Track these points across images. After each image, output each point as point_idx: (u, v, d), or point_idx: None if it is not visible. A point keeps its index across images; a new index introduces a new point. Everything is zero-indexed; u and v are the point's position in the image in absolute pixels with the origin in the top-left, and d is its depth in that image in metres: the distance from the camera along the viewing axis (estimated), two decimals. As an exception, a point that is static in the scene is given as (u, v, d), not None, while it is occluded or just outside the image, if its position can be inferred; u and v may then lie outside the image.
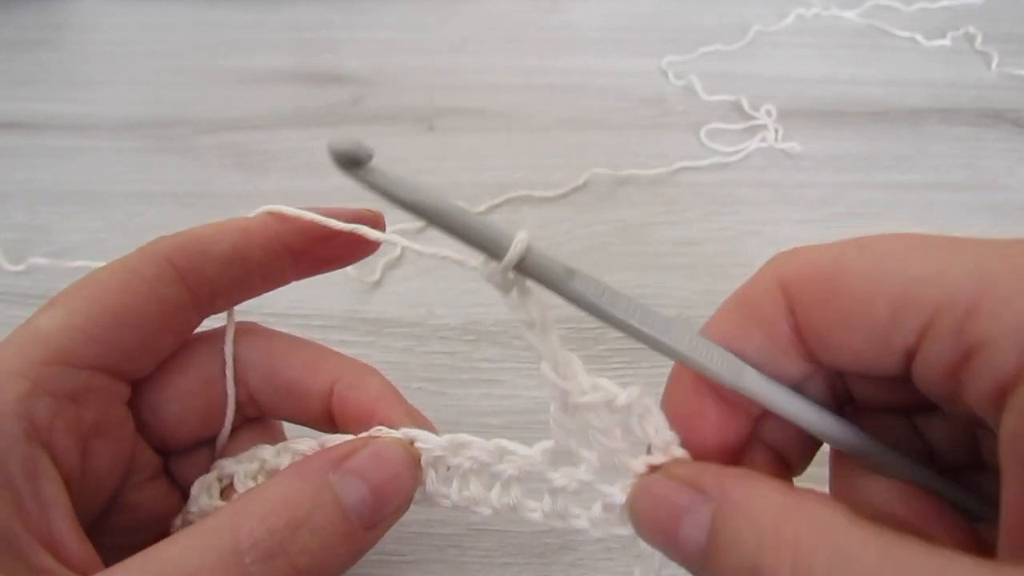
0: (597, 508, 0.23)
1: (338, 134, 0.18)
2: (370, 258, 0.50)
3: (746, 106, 0.62)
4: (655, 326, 0.19)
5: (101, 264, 0.52)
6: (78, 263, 0.49)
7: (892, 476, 0.20)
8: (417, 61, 0.70)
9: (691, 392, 0.21)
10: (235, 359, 0.27)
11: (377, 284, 0.48)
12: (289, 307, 0.46)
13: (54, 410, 0.22)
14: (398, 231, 0.51)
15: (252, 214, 0.27)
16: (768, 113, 0.61)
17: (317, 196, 0.54)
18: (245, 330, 0.28)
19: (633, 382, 0.21)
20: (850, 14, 0.75)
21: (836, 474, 0.22)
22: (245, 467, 0.26)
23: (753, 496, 0.18)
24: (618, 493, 0.22)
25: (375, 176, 0.18)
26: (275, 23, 0.75)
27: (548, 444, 0.23)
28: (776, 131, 0.59)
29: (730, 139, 0.59)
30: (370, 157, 0.18)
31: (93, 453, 0.24)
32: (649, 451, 0.22)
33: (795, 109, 0.62)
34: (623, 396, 0.21)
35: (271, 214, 0.26)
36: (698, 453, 0.21)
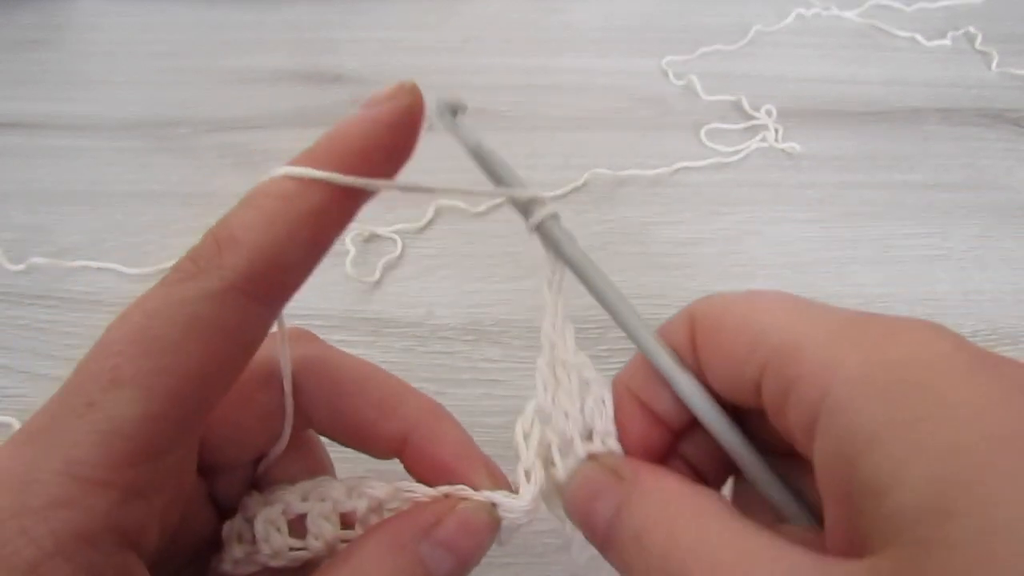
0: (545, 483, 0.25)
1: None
2: (370, 258, 0.50)
3: (746, 106, 0.62)
4: (622, 304, 0.23)
5: (101, 264, 0.52)
6: (78, 263, 0.49)
7: (787, 517, 0.22)
8: (417, 61, 0.70)
9: (627, 396, 0.24)
10: (298, 393, 0.25)
11: (377, 284, 0.48)
12: (289, 307, 0.46)
13: (145, 510, 0.20)
14: (398, 231, 0.51)
15: (281, 172, 0.22)
16: (768, 113, 0.61)
17: (317, 196, 0.54)
18: (308, 355, 0.25)
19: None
20: (850, 14, 0.75)
21: (738, 508, 0.24)
22: (318, 507, 0.25)
23: (657, 481, 0.21)
24: (562, 470, 0.24)
25: (462, 127, 0.25)
26: (275, 23, 0.75)
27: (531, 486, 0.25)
28: (776, 131, 0.59)
29: (730, 139, 0.59)
30: (465, 109, 0.25)
31: (168, 525, 0.22)
32: (590, 437, 0.24)
33: (795, 109, 0.62)
34: (591, 372, 0.24)
35: (310, 155, 0.23)
36: (627, 450, 0.24)
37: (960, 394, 0.16)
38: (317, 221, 0.21)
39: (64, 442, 0.19)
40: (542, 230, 0.25)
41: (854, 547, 0.17)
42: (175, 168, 0.58)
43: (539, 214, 0.25)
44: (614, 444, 0.23)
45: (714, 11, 0.76)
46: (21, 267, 0.49)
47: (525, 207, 0.25)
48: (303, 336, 0.27)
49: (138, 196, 0.55)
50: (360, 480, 0.25)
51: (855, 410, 0.17)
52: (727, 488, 0.25)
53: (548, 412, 0.24)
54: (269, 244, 0.21)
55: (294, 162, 0.22)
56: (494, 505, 0.24)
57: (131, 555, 0.20)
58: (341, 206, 0.22)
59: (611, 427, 0.24)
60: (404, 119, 0.24)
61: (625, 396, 0.24)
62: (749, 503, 0.23)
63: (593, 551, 0.23)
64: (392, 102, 0.23)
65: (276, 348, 0.25)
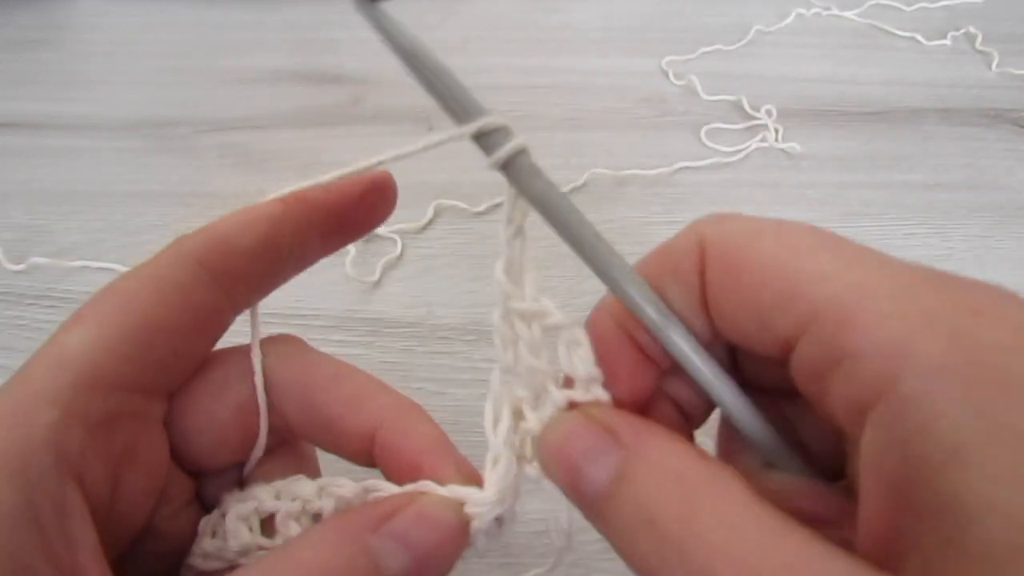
0: (517, 440, 0.22)
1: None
2: (370, 258, 0.50)
3: (746, 106, 0.62)
4: (600, 248, 0.20)
5: (101, 264, 0.53)
6: (78, 263, 0.49)
7: (777, 466, 0.20)
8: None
9: (612, 330, 0.21)
10: (271, 386, 0.25)
11: (377, 284, 0.48)
12: (289, 307, 0.46)
13: (86, 439, 0.21)
14: (398, 231, 0.51)
15: (264, 200, 0.25)
16: (768, 113, 0.61)
17: (317, 196, 0.54)
18: (283, 351, 0.26)
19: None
20: (850, 14, 0.75)
21: (723, 447, 0.22)
22: (287, 506, 0.24)
23: (666, 453, 0.18)
24: (535, 422, 0.21)
25: (383, 17, 0.19)
26: (275, 23, 0.75)
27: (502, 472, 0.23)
28: (776, 131, 0.59)
29: (730, 139, 0.59)
30: None
31: (125, 480, 0.22)
32: (569, 384, 0.21)
33: (795, 109, 0.62)
34: (556, 316, 0.21)
35: (290, 195, 0.25)
36: (613, 394, 0.21)
37: None
38: (271, 222, 0.24)
39: (25, 370, 0.21)
40: (509, 169, 0.20)
41: (892, 556, 0.15)
42: (175, 168, 0.58)
43: (504, 149, 0.20)
44: (599, 391, 0.21)
45: (714, 11, 0.76)
46: (21, 267, 0.49)
47: (483, 135, 0.20)
48: (284, 338, 0.27)
49: (138, 196, 0.55)
50: (330, 480, 0.25)
51: (938, 412, 0.14)
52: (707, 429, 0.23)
53: (513, 371, 0.22)
54: (223, 228, 0.24)
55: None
56: (461, 503, 0.22)
57: (69, 482, 0.20)
58: (296, 219, 0.25)
59: (594, 371, 0.20)
60: (380, 189, 0.27)
61: (610, 331, 0.21)
62: (735, 444, 0.22)
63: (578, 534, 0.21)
64: (376, 177, 0.27)
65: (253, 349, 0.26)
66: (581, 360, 0.20)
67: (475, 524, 0.22)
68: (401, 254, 0.50)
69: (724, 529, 0.16)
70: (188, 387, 0.25)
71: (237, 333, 0.25)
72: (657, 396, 0.22)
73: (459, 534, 0.22)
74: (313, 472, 0.28)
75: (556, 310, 0.21)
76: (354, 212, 0.26)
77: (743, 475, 0.19)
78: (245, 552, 0.24)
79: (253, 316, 0.26)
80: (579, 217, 0.20)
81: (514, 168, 0.20)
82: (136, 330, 0.22)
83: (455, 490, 0.23)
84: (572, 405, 0.21)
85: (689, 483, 0.17)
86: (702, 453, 0.19)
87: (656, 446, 0.19)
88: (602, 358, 0.21)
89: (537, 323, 0.21)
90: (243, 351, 0.26)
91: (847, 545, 0.16)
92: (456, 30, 0.74)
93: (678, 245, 0.20)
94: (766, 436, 0.20)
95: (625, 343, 0.21)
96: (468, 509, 0.22)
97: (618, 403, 0.21)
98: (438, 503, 0.22)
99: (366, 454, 0.25)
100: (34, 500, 0.19)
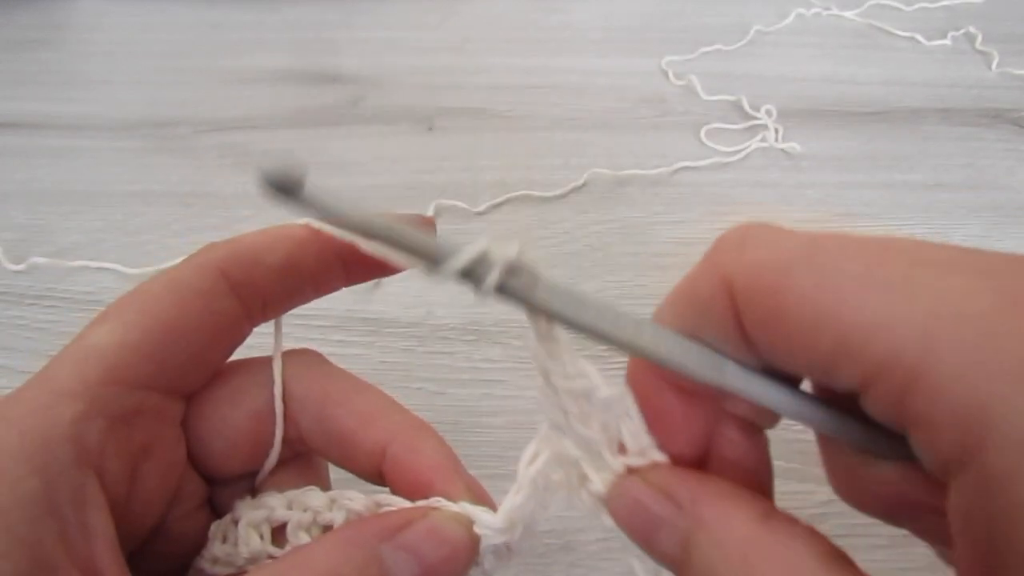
0: (584, 496, 0.22)
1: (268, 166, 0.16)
2: (370, 258, 0.50)
3: (746, 106, 0.62)
4: (627, 330, 0.19)
5: (101, 264, 0.53)
6: (78, 263, 0.49)
7: (883, 457, 0.19)
8: (417, 61, 0.70)
9: (653, 388, 0.21)
10: (287, 398, 0.26)
11: (377, 284, 0.48)
12: (289, 307, 0.46)
13: (106, 433, 0.21)
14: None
15: (296, 223, 0.26)
16: (768, 113, 0.61)
17: (317, 196, 0.54)
18: (301, 364, 0.27)
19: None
20: (850, 14, 0.75)
21: (827, 457, 0.22)
22: (298, 516, 0.25)
23: (725, 523, 0.18)
24: (599, 483, 0.22)
25: (314, 201, 0.17)
26: (275, 23, 0.76)
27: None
28: (776, 131, 0.59)
29: (730, 139, 0.59)
30: (302, 182, 0.16)
31: (142, 477, 0.23)
32: (623, 449, 0.21)
33: (795, 109, 0.62)
34: (604, 391, 0.20)
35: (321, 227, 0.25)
36: (670, 448, 0.21)
37: None
38: (297, 244, 0.25)
39: (51, 365, 0.22)
40: (506, 292, 0.19)
41: None
42: (175, 168, 0.58)
43: (492, 276, 0.18)
44: (656, 454, 0.21)
45: (714, 11, 0.76)
46: (21, 267, 0.49)
47: (470, 268, 0.18)
48: (305, 351, 0.27)
49: (138, 196, 0.55)
50: (341, 492, 0.25)
51: (1021, 485, 0.13)
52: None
53: (563, 428, 0.22)
54: (250, 242, 0.25)
55: None
56: (472, 521, 0.23)
57: (89, 474, 0.21)
58: (322, 249, 0.25)
59: (645, 439, 0.21)
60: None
61: (651, 386, 0.21)
62: (831, 439, 0.21)
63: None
64: (415, 219, 0.26)
65: (272, 360, 0.26)
66: (632, 434, 0.21)
67: (484, 544, 0.23)
68: (401, 254, 0.50)
69: None
70: (207, 392, 0.26)
71: (256, 347, 0.26)
72: (723, 420, 0.21)
73: (468, 551, 0.22)
74: (324, 487, 0.28)
75: (599, 379, 0.20)
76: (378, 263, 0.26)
77: (845, 468, 0.19)
78: (255, 559, 0.25)
79: (277, 328, 0.27)
80: (592, 308, 0.19)
81: (510, 290, 0.19)
82: (158, 332, 0.23)
83: (465, 508, 0.23)
84: (631, 471, 0.21)
85: (751, 559, 0.17)
86: (765, 514, 0.18)
87: (714, 515, 0.18)
88: (650, 419, 0.21)
89: (584, 398, 0.21)
90: (263, 361, 0.26)
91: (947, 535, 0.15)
92: (456, 30, 0.74)
93: (702, 287, 0.19)
94: (855, 434, 0.19)
95: (669, 395, 0.21)
96: (476, 529, 0.23)
97: (677, 458, 0.21)
98: (449, 519, 0.22)
99: (376, 470, 0.25)
100: (55, 491, 0.20)
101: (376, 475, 0.26)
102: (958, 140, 0.59)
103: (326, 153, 0.58)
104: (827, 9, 0.75)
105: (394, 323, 0.45)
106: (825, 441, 0.21)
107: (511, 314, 0.46)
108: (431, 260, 0.18)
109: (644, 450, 0.21)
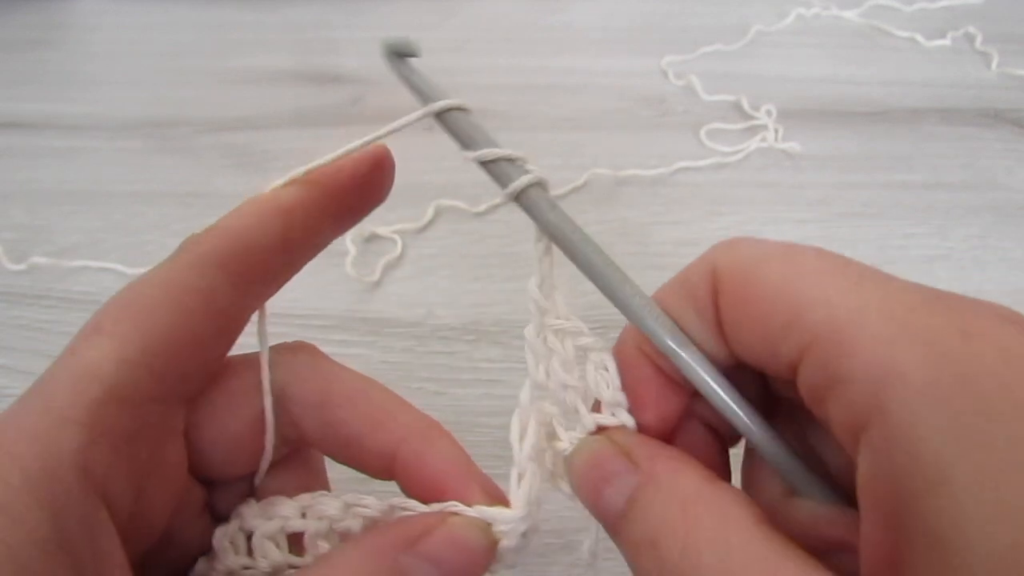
0: (548, 457, 0.23)
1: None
2: (370, 258, 0.50)
3: (746, 106, 0.62)
4: (614, 275, 0.21)
5: (101, 264, 0.52)
6: (78, 263, 0.49)
7: (806, 493, 0.21)
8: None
9: (635, 358, 0.22)
10: (287, 401, 0.25)
11: (377, 284, 0.48)
12: (288, 307, 0.46)
13: (111, 456, 0.21)
14: (398, 231, 0.51)
15: (269, 189, 0.25)
16: (768, 113, 0.61)
17: (317, 196, 0.54)
18: (298, 362, 0.26)
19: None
20: (850, 14, 0.75)
21: (753, 489, 0.22)
22: (315, 525, 0.24)
23: (674, 476, 0.19)
24: (567, 443, 0.23)
25: (412, 72, 0.22)
26: (275, 23, 0.76)
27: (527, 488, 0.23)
28: (776, 131, 0.59)
29: (730, 139, 0.59)
30: (415, 54, 0.22)
31: (147, 492, 0.22)
32: (598, 408, 0.22)
33: (795, 109, 0.62)
34: (589, 339, 0.22)
35: (297, 181, 0.25)
36: (640, 418, 0.22)
37: None
38: (285, 215, 0.24)
39: (46, 386, 0.21)
40: (522, 201, 0.22)
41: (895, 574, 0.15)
42: (175, 168, 0.58)
43: (518, 182, 0.21)
44: (625, 416, 0.22)
45: (714, 11, 0.76)
46: (21, 267, 0.49)
47: (503, 171, 0.22)
48: (301, 347, 0.26)
49: (138, 196, 0.55)
50: (356, 497, 0.25)
51: (917, 438, 0.15)
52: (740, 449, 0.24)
53: (544, 386, 0.23)
54: (240, 227, 0.23)
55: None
56: (489, 524, 0.23)
57: (96, 502, 0.20)
58: (308, 207, 0.24)
59: (619, 396, 0.22)
60: (379, 165, 0.26)
61: (635, 358, 0.22)
62: (759, 472, 0.22)
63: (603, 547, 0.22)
64: (375, 152, 0.26)
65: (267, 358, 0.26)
66: (608, 384, 0.22)
67: (504, 543, 0.23)
68: (401, 254, 0.50)
69: (720, 553, 0.17)
70: (204, 398, 0.25)
71: (248, 346, 0.25)
72: (688, 419, 0.23)
73: (486, 556, 0.23)
74: (323, 482, 0.28)
75: (588, 331, 0.22)
76: (362, 190, 0.26)
77: (767, 504, 0.20)
78: (276, 572, 0.25)
79: (261, 318, 0.25)
80: (595, 248, 0.22)
81: (527, 199, 0.22)
82: (159, 343, 0.22)
83: (483, 511, 0.23)
84: (600, 429, 0.22)
85: (691, 507, 0.18)
86: (712, 478, 0.19)
87: (667, 471, 0.20)
88: (628, 384, 0.22)
89: (570, 340, 0.22)
90: (258, 360, 0.25)
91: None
92: (456, 30, 0.74)
93: (694, 273, 0.21)
94: (786, 461, 0.20)
95: (650, 370, 0.22)
96: (497, 528, 0.23)
97: (644, 428, 0.22)
98: (469, 526, 0.22)
99: (386, 470, 0.25)
100: (63, 523, 0.19)
101: (386, 474, 0.25)
102: (957, 140, 0.59)
103: (326, 153, 0.58)
104: (827, 9, 0.75)
105: (394, 323, 0.45)
106: (751, 473, 0.23)
107: (511, 314, 0.46)
108: (473, 145, 0.22)
109: (615, 407, 0.22)
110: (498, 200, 0.53)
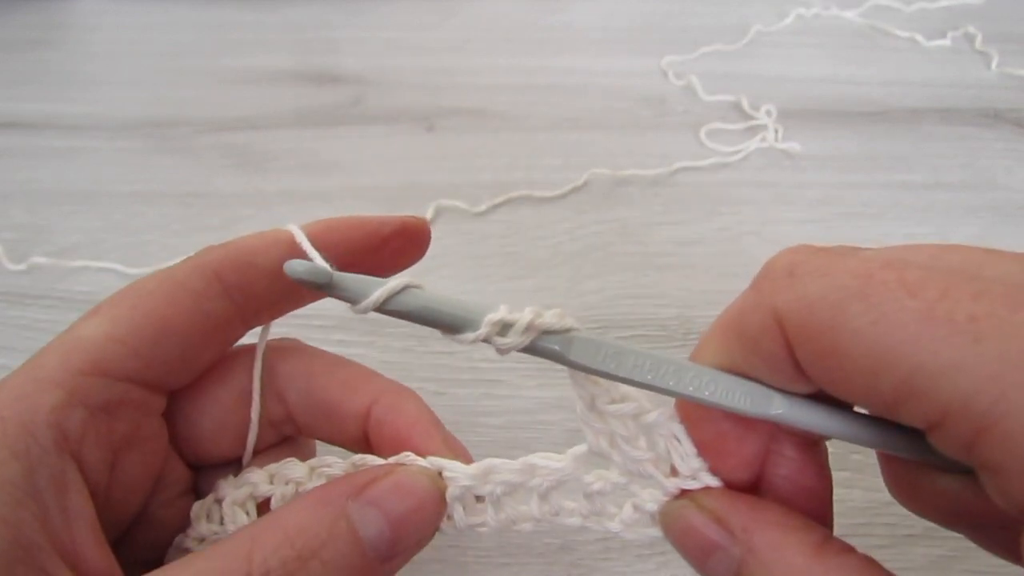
0: (628, 510, 0.23)
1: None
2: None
3: (746, 106, 0.62)
4: (668, 376, 0.20)
5: (101, 264, 0.52)
6: (78, 263, 0.49)
7: (943, 470, 0.20)
8: (417, 61, 0.70)
9: (703, 413, 0.21)
10: (274, 376, 0.27)
11: (377, 284, 0.48)
12: (289, 307, 0.46)
13: (87, 422, 0.22)
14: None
15: (289, 227, 0.26)
16: (768, 113, 0.61)
17: (317, 196, 0.54)
18: (286, 347, 0.28)
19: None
20: (850, 14, 0.75)
21: (886, 467, 0.22)
22: (281, 489, 0.25)
23: (778, 553, 0.18)
24: (648, 500, 0.22)
25: (343, 291, 0.21)
26: (275, 23, 0.75)
27: (581, 450, 0.23)
28: (776, 131, 0.59)
29: (730, 139, 0.59)
30: (329, 277, 0.21)
31: (123, 466, 0.23)
32: (674, 472, 0.22)
33: (795, 109, 0.62)
34: (653, 415, 0.21)
35: (317, 224, 0.26)
36: (723, 471, 0.21)
37: None
38: (292, 247, 0.25)
39: (40, 356, 0.23)
40: (538, 352, 0.21)
41: None
42: (175, 168, 0.58)
43: (513, 339, 0.21)
44: (708, 478, 0.21)
45: (714, 11, 0.76)
46: (21, 267, 0.49)
47: (489, 335, 0.21)
48: (287, 339, 0.28)
49: (138, 196, 0.55)
50: (320, 460, 0.26)
51: None
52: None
53: (606, 455, 0.22)
54: (248, 246, 0.25)
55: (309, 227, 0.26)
56: (439, 473, 0.24)
57: (69, 462, 0.21)
58: (317, 246, 0.25)
59: (696, 463, 0.21)
60: (410, 235, 0.27)
61: (700, 409, 0.21)
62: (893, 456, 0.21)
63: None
64: (402, 222, 0.27)
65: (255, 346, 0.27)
66: (683, 457, 0.21)
67: (450, 491, 0.24)
68: (401, 254, 0.50)
69: None
70: (193, 383, 0.26)
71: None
72: (778, 436, 0.21)
73: (435, 503, 0.23)
74: None
75: (647, 403, 0.21)
76: (379, 252, 0.27)
77: (905, 478, 0.19)
78: None
79: (264, 328, 0.27)
80: (631, 358, 0.20)
81: (542, 350, 0.21)
82: (146, 328, 0.23)
83: (435, 460, 0.24)
84: (684, 492, 0.21)
85: None
86: (819, 545, 0.18)
87: (767, 544, 0.19)
88: (702, 443, 0.21)
89: (631, 420, 0.22)
90: (247, 349, 0.27)
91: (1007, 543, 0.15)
92: (456, 30, 0.74)
93: (750, 323, 0.19)
94: (913, 453, 0.19)
95: (721, 420, 0.21)
96: (445, 474, 0.24)
97: (730, 483, 0.21)
98: (415, 473, 0.24)
99: (362, 436, 0.26)
100: (35, 475, 0.20)
101: (363, 442, 0.27)
102: (957, 140, 0.59)
103: (326, 153, 0.58)
104: (827, 9, 0.75)
105: (394, 323, 0.45)
106: (887, 458, 0.21)
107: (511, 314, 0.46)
108: (455, 331, 0.21)
109: (696, 473, 0.21)
110: (498, 201, 0.53)
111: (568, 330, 0.20)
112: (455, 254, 0.50)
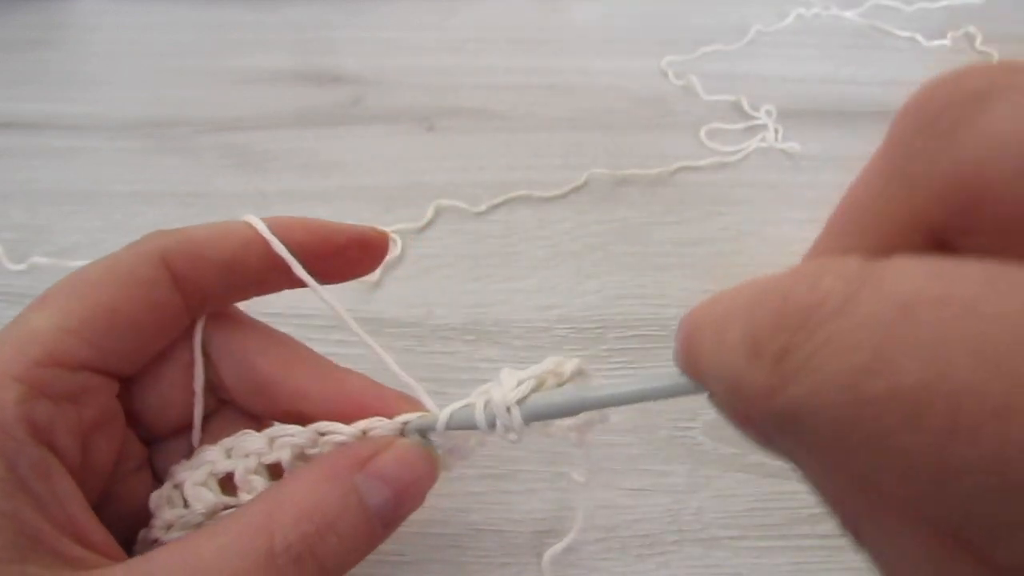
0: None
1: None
2: (370, 258, 0.50)
3: (746, 106, 0.62)
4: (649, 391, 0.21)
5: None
6: (78, 263, 0.49)
7: None
8: (417, 61, 0.70)
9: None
10: (212, 349, 0.27)
11: (377, 284, 0.48)
12: (288, 307, 0.46)
13: (53, 411, 0.22)
14: (398, 231, 0.51)
15: (248, 218, 0.27)
16: (768, 113, 0.61)
17: (317, 196, 0.54)
18: (226, 319, 0.28)
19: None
20: (850, 14, 0.75)
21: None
22: (242, 463, 0.25)
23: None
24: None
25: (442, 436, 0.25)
26: (275, 23, 0.75)
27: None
28: (776, 131, 0.60)
29: (730, 139, 0.59)
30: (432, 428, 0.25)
31: (92, 449, 0.24)
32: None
33: (795, 109, 0.62)
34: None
35: (273, 221, 0.26)
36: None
37: None
38: (243, 241, 0.26)
39: None
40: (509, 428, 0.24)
41: None
42: (175, 168, 0.58)
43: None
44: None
45: (714, 11, 0.76)
46: (21, 267, 0.49)
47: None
48: (225, 311, 0.29)
49: (138, 196, 0.55)
50: (279, 429, 0.26)
51: None
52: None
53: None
54: (198, 236, 0.25)
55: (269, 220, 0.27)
56: (432, 446, 0.25)
57: (47, 452, 0.22)
58: (266, 243, 0.26)
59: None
60: (366, 246, 0.28)
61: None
62: None
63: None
64: (360, 233, 0.28)
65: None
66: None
67: (412, 423, 0.25)
68: (401, 254, 0.50)
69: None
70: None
71: None
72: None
73: (432, 472, 0.25)
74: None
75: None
76: (330, 259, 0.27)
77: None
78: (212, 513, 0.25)
79: (199, 322, 0.27)
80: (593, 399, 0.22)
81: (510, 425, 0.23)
82: (97, 318, 0.24)
83: (404, 418, 0.25)
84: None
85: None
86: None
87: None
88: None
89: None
90: (188, 327, 0.28)
91: None
92: (456, 30, 0.74)
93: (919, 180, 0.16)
94: None
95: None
96: (408, 417, 0.25)
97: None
98: (414, 445, 0.25)
99: (297, 413, 0.27)
100: (17, 467, 0.21)
101: (297, 418, 0.27)
102: (958, 140, 0.59)
103: (326, 153, 0.58)
104: (827, 9, 0.75)
105: (394, 323, 0.45)
106: None
107: (511, 314, 0.46)
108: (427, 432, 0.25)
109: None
110: (499, 200, 0.53)
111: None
112: (455, 254, 0.50)
